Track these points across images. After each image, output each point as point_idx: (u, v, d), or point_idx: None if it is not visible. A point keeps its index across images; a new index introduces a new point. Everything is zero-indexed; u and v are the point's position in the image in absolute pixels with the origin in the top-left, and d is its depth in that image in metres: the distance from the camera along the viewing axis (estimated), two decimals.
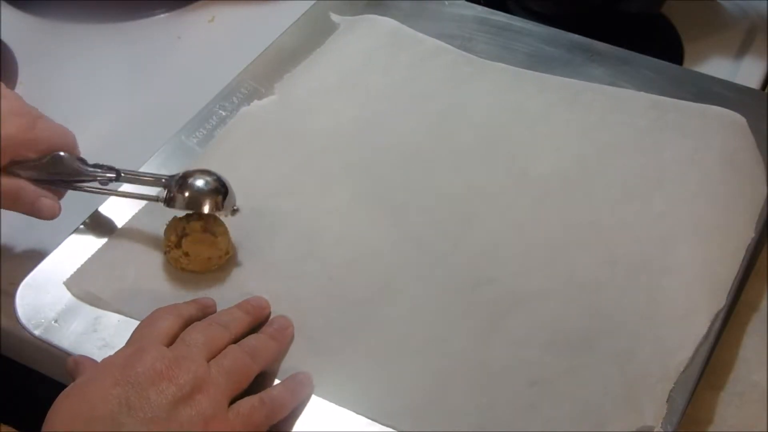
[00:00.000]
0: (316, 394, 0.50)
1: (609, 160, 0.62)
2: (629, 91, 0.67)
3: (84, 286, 0.54)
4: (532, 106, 0.67)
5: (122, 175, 0.57)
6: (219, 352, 0.47)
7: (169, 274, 0.55)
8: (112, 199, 0.59)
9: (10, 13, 0.82)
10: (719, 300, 0.53)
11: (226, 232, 0.55)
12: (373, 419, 0.49)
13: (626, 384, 0.49)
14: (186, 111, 0.65)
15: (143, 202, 0.58)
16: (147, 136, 0.65)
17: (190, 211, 0.55)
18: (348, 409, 0.49)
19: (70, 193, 0.59)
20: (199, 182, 0.56)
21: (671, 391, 0.49)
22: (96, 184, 0.57)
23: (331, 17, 0.74)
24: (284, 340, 0.52)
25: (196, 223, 0.54)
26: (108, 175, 0.57)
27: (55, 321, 0.52)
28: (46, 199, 0.56)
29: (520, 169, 0.62)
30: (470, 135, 0.64)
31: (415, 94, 0.68)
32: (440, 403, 0.49)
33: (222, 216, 0.56)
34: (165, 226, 0.55)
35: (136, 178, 0.57)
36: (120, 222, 0.58)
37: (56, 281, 0.54)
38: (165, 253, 0.55)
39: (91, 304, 0.53)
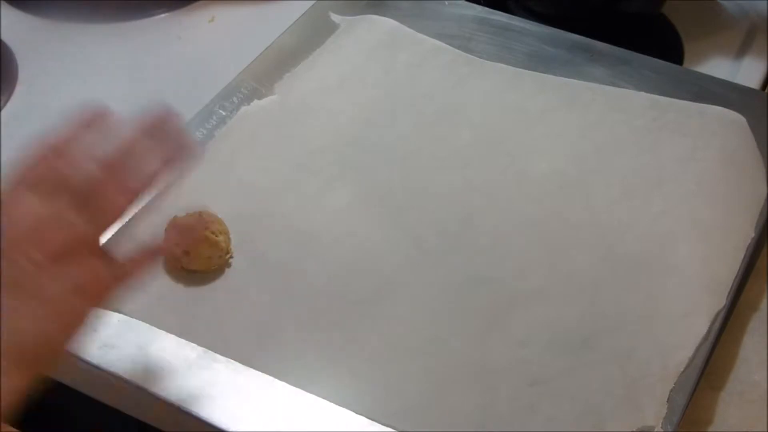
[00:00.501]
0: (316, 394, 0.50)
1: (608, 160, 0.62)
2: (628, 90, 0.67)
3: None
4: (531, 106, 0.67)
5: None
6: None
7: (170, 273, 0.55)
8: None
9: (10, 13, 0.82)
10: (719, 300, 0.53)
11: (226, 231, 0.55)
12: (373, 419, 0.49)
13: (626, 384, 0.49)
14: (186, 111, 0.65)
15: (144, 202, 0.58)
16: None
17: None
18: (348, 409, 0.49)
19: None
20: None
21: (671, 391, 0.49)
22: None
23: (331, 17, 0.74)
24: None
25: (197, 222, 0.54)
26: None
27: None
28: None
29: (519, 169, 0.62)
30: (469, 135, 0.64)
31: (415, 94, 0.68)
32: (440, 403, 0.49)
33: None
34: (166, 225, 0.55)
35: None
36: (120, 221, 0.57)
37: None
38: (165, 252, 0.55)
39: None
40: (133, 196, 0.43)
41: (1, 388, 0.38)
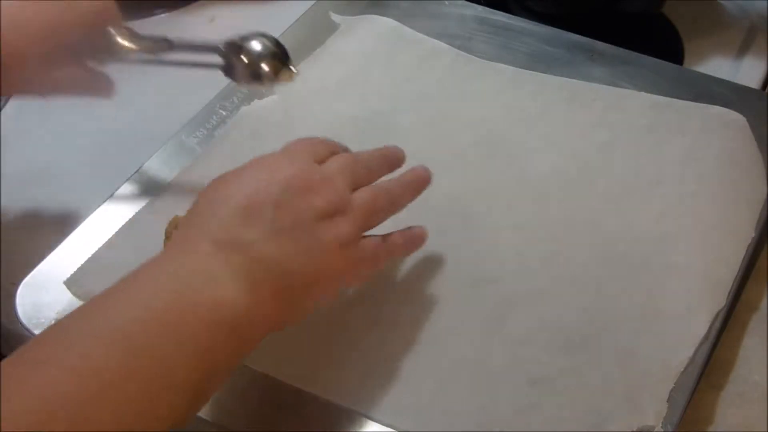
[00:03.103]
0: (316, 394, 0.50)
1: (608, 160, 0.62)
2: (628, 90, 0.67)
3: (84, 285, 0.54)
4: (531, 105, 0.67)
5: (174, 44, 0.57)
6: (359, 188, 0.49)
7: None
8: (113, 198, 0.59)
9: None
10: (719, 299, 0.53)
11: None
12: (373, 419, 0.49)
13: (627, 383, 0.49)
14: (186, 111, 0.65)
15: (144, 201, 0.59)
16: (147, 135, 0.65)
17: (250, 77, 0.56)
18: (348, 408, 0.49)
19: (71, 194, 0.59)
20: (257, 46, 0.55)
21: (671, 390, 0.49)
22: (151, 55, 0.57)
23: (331, 17, 0.74)
24: (419, 190, 0.53)
25: None
26: (160, 44, 0.56)
27: (56, 320, 0.52)
28: (102, 87, 0.58)
29: (519, 169, 0.62)
30: (470, 135, 0.64)
31: (415, 94, 0.68)
32: (441, 402, 0.49)
33: (282, 81, 0.56)
34: (166, 225, 0.55)
35: (188, 46, 0.57)
36: (120, 221, 0.58)
37: (56, 281, 0.54)
38: None
39: None
40: (390, 211, 0.51)
41: (247, 304, 0.42)
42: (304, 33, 0.72)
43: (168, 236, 0.55)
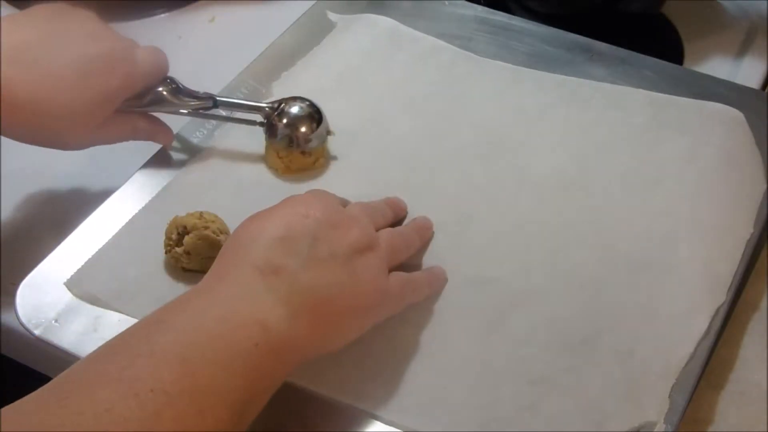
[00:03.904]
0: (317, 393, 0.50)
1: (608, 158, 0.62)
2: (627, 88, 0.67)
3: (84, 286, 0.54)
4: (531, 103, 0.67)
5: (217, 104, 0.61)
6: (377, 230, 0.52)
7: (170, 273, 0.55)
8: (113, 198, 0.59)
9: (10, 13, 0.82)
10: (719, 296, 0.53)
11: (227, 231, 0.55)
12: (374, 418, 0.49)
13: (628, 381, 0.50)
14: None
15: (144, 201, 0.58)
16: None
17: (288, 140, 0.60)
18: (349, 407, 0.49)
19: (71, 194, 0.59)
20: (294, 109, 0.61)
21: (672, 389, 0.49)
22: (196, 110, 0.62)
23: (328, 16, 0.73)
24: (426, 237, 0.56)
25: (197, 222, 0.54)
26: (205, 104, 0.61)
27: (55, 321, 0.52)
28: (161, 135, 0.62)
29: (519, 167, 0.62)
30: (469, 133, 0.64)
31: (414, 93, 0.68)
32: (441, 402, 0.49)
33: (318, 142, 0.61)
34: (166, 225, 0.55)
35: (233, 104, 0.62)
36: (120, 222, 0.57)
37: (56, 281, 0.54)
38: (166, 252, 0.55)
39: (92, 303, 0.53)
40: (407, 252, 0.54)
41: (288, 328, 0.44)
42: (304, 33, 0.72)
43: (168, 236, 0.55)
